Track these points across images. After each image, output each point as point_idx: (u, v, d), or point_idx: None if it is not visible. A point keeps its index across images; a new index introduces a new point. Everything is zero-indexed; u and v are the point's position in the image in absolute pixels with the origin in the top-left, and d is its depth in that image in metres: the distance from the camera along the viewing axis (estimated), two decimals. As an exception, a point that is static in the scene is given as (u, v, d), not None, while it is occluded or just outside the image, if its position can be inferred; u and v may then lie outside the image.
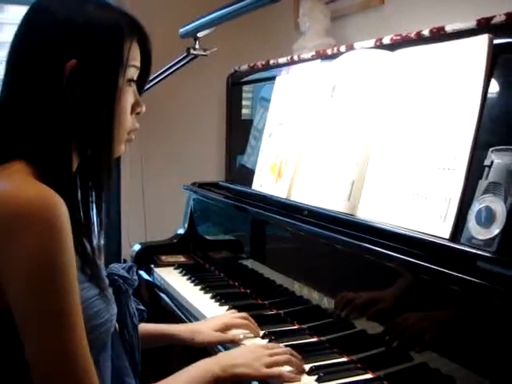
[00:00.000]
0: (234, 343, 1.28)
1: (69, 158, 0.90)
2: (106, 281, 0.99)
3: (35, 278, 0.77)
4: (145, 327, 1.25)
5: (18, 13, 2.46)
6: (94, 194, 0.93)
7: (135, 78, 0.97)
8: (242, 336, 1.30)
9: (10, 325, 0.79)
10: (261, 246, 1.69)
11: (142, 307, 1.19)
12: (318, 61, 1.63)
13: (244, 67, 2.15)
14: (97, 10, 0.90)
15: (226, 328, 1.32)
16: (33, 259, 0.77)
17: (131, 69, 0.94)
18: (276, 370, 1.11)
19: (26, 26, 0.92)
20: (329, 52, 1.63)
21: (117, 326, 1.04)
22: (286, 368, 1.13)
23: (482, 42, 1.08)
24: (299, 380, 1.11)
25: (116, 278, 1.09)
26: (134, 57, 0.95)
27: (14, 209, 0.77)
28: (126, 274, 1.12)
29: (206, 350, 1.34)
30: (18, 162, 0.86)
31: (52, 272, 0.78)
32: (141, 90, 1.01)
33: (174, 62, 1.95)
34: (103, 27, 0.90)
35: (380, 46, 1.41)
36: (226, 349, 1.27)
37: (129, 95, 0.95)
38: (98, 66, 0.89)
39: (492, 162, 1.00)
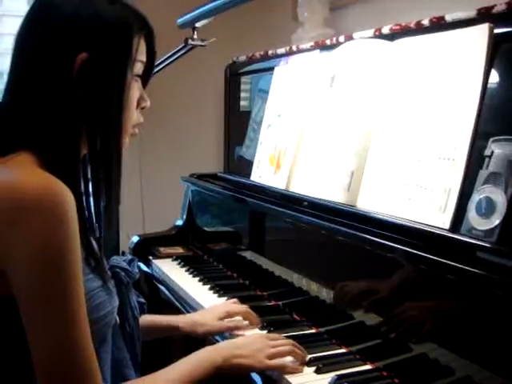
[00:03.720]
0: (236, 331, 1.28)
1: (77, 150, 0.92)
2: (109, 273, 0.99)
3: (41, 267, 0.78)
4: (146, 319, 1.25)
5: (14, 5, 2.46)
6: (103, 185, 0.93)
7: (141, 73, 0.98)
8: (243, 323, 1.30)
9: (12, 312, 0.80)
10: (259, 238, 1.68)
11: (143, 300, 1.19)
12: (317, 51, 1.62)
13: (242, 58, 2.14)
14: (106, 4, 0.92)
15: (227, 316, 1.32)
16: (39, 248, 0.77)
17: (138, 64, 0.96)
18: (279, 361, 1.11)
19: (33, 19, 0.92)
20: (328, 42, 1.62)
21: (117, 318, 1.04)
22: (289, 359, 1.13)
23: (482, 32, 1.07)
24: (301, 371, 1.11)
25: (118, 270, 1.10)
26: (141, 52, 0.96)
27: (21, 198, 0.78)
28: (127, 267, 1.12)
29: (205, 340, 1.34)
30: (24, 153, 0.87)
31: (57, 261, 0.78)
32: (145, 84, 1.03)
33: (172, 53, 1.94)
34: (113, 21, 0.91)
35: (379, 36, 1.40)
36: (227, 339, 1.27)
37: (135, 90, 0.97)
38: (109, 60, 0.90)
39: (492, 152, 0.99)
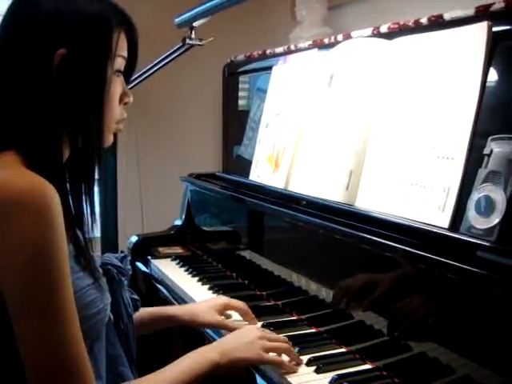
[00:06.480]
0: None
1: (59, 148, 0.91)
2: (100, 271, 0.99)
3: (27, 266, 0.78)
4: (144, 310, 1.26)
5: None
6: (85, 184, 0.93)
7: (122, 69, 0.98)
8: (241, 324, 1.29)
9: (1, 310, 0.80)
10: (258, 237, 1.68)
11: (136, 296, 1.19)
12: (315, 50, 1.62)
13: (240, 57, 2.14)
14: (85, 0, 0.91)
15: (224, 308, 1.32)
16: (24, 247, 0.77)
17: (119, 59, 0.95)
18: (278, 357, 1.11)
19: (12, 15, 0.92)
20: (326, 41, 1.61)
21: (111, 315, 1.04)
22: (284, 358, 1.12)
23: (480, 30, 1.06)
24: (296, 371, 1.11)
25: (110, 267, 1.10)
26: (122, 47, 0.96)
27: (6, 197, 0.78)
28: (119, 264, 1.12)
29: (203, 336, 1.33)
30: (8, 152, 0.86)
31: (44, 259, 0.78)
32: (127, 80, 1.02)
33: (169, 52, 1.94)
34: (92, 17, 0.91)
35: (377, 34, 1.39)
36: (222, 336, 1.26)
37: (117, 85, 0.97)
38: (87, 55, 0.90)
39: (491, 151, 0.99)
